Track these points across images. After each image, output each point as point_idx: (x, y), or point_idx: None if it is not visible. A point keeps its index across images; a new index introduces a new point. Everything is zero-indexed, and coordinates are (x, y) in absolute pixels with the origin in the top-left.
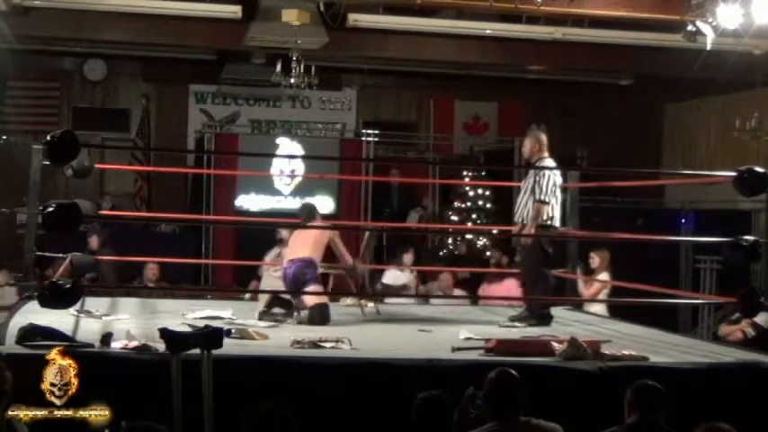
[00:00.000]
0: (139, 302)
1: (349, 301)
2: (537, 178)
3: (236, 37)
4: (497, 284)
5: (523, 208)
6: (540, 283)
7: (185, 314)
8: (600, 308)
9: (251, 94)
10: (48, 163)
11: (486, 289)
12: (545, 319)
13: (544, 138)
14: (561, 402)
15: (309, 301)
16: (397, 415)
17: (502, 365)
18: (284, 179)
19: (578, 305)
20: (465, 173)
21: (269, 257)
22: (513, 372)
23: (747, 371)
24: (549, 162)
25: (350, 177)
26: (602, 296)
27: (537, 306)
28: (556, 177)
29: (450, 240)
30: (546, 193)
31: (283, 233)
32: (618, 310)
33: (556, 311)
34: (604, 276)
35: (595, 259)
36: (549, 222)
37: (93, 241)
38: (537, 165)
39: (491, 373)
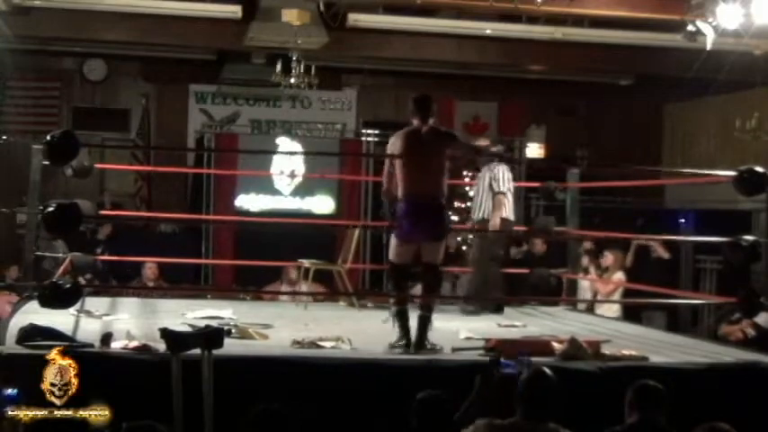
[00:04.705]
0: (139, 302)
1: (342, 302)
2: (493, 174)
3: (236, 37)
4: None
5: (485, 204)
6: (480, 276)
7: (185, 314)
8: (613, 309)
9: (251, 94)
10: (48, 163)
11: None
12: (498, 308)
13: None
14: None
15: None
16: (397, 415)
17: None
18: (284, 179)
19: (576, 305)
20: (465, 173)
21: None
22: (548, 373)
23: (747, 371)
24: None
25: (350, 177)
26: (616, 296)
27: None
28: (508, 173)
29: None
30: (502, 185)
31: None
32: (629, 311)
33: (556, 311)
34: (619, 275)
35: (608, 258)
36: (506, 216)
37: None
38: (494, 164)
39: (526, 372)
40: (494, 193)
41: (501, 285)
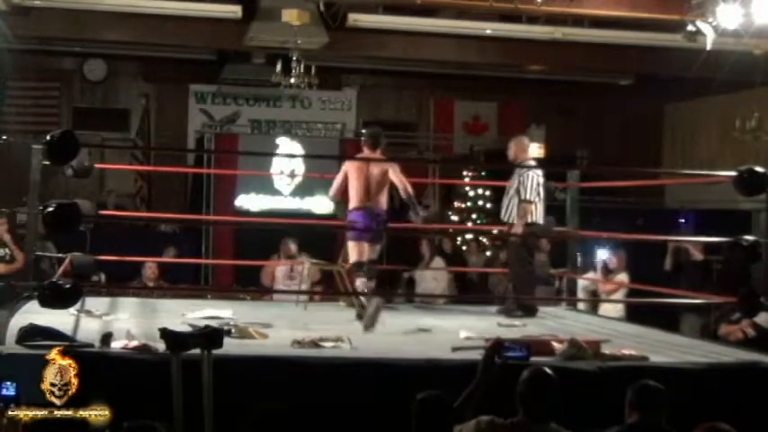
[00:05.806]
0: (139, 302)
1: (342, 302)
2: (521, 179)
3: (236, 37)
4: None
5: (511, 208)
6: (522, 277)
7: (185, 314)
8: (616, 309)
9: (251, 94)
10: (48, 163)
11: None
12: (530, 311)
13: (527, 141)
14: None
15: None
16: (397, 415)
17: (502, 365)
18: (284, 179)
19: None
20: (465, 173)
21: None
22: (549, 373)
23: (747, 371)
24: (532, 164)
25: None
26: (618, 296)
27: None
28: (539, 178)
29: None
30: (529, 193)
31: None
32: (633, 312)
33: (556, 311)
34: (623, 277)
35: (613, 260)
36: (533, 221)
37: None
38: (522, 166)
39: (525, 372)
40: (519, 200)
41: (531, 287)
